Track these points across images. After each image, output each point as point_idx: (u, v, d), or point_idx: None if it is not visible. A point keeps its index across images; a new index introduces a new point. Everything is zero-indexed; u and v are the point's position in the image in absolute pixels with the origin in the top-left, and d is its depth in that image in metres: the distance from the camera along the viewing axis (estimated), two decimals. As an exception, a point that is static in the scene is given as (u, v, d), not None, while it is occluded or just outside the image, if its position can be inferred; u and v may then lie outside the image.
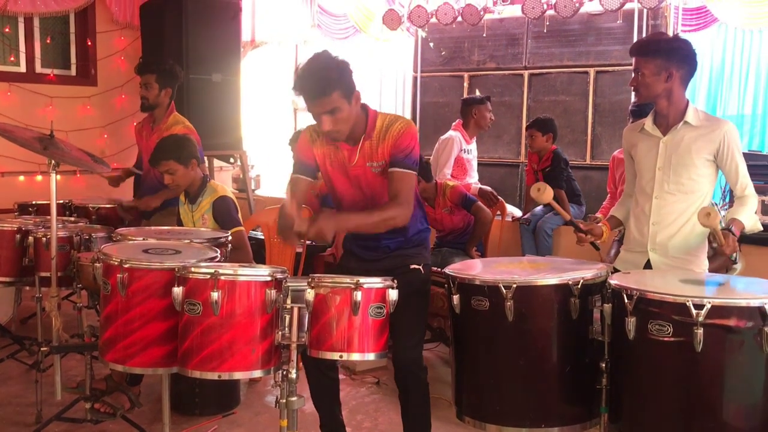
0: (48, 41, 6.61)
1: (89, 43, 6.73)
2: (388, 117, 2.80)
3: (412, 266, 2.85)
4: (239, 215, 3.76)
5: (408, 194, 2.73)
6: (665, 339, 2.17)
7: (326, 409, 3.04)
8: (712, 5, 6.21)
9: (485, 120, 5.66)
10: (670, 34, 6.02)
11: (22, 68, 6.46)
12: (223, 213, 3.68)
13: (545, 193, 2.80)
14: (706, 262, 2.92)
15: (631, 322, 2.22)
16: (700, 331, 2.10)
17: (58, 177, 3.37)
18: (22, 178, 6.24)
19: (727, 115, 6.77)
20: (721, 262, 3.91)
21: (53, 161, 3.29)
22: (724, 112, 6.99)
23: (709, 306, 2.10)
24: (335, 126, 2.66)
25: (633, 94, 6.25)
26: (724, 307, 2.13)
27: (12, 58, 6.40)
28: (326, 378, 2.98)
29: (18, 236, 3.82)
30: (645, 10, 6.17)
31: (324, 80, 2.59)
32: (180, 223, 3.88)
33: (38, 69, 6.54)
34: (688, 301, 2.12)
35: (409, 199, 2.74)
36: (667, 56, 2.77)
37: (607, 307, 2.37)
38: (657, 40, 2.86)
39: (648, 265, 2.89)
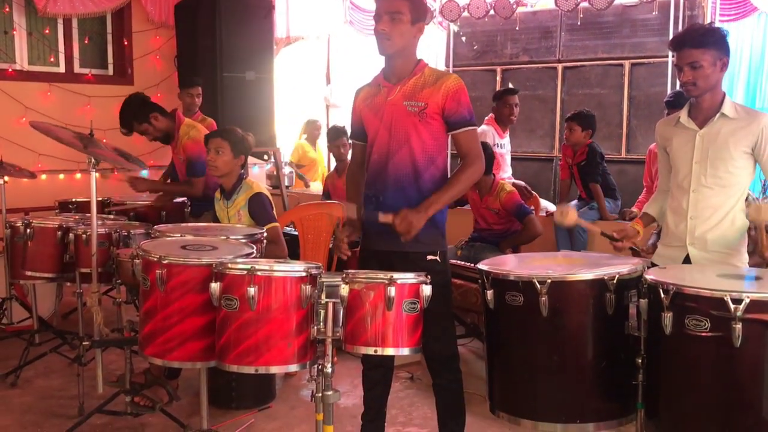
0: (86, 42, 6.73)
1: (126, 43, 6.84)
2: (439, 70, 2.92)
3: (429, 257, 2.80)
4: (274, 211, 3.81)
5: (476, 148, 2.85)
6: (703, 334, 2.14)
7: (376, 399, 3.05)
8: (751, -6, 6.08)
9: (503, 114, 5.62)
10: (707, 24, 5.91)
11: (62, 69, 6.60)
12: (259, 209, 3.73)
13: (568, 216, 2.85)
14: (747, 256, 2.87)
15: (667, 317, 2.20)
16: (739, 326, 2.07)
17: (97, 175, 3.44)
18: (62, 176, 6.37)
19: (768, 107, 6.63)
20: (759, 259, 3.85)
21: (93, 160, 3.36)
22: (764, 104, 6.84)
23: (747, 300, 2.07)
24: (389, 29, 2.75)
25: (672, 85, 6.17)
26: (764, 302, 2.10)
27: (51, 59, 6.54)
28: (383, 367, 3.02)
29: (59, 233, 3.92)
30: (681, 1, 6.07)
31: None
32: (216, 219, 3.93)
33: (77, 69, 6.68)
34: (726, 295, 2.09)
35: (479, 152, 2.85)
36: (719, 46, 2.73)
37: (643, 302, 2.35)
38: (709, 30, 2.79)
39: (687, 260, 2.85)
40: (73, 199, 5.25)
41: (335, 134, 5.67)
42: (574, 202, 5.71)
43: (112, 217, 4.53)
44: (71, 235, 3.83)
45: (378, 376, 3.03)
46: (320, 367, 2.41)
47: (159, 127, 4.47)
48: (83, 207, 5.06)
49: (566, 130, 5.61)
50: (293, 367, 2.44)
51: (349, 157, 5.51)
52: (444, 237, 2.91)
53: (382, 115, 2.85)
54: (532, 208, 5.19)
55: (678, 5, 6.15)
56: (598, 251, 4.58)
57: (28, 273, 3.99)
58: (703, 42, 2.72)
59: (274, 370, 2.48)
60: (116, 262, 3.54)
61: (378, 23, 2.78)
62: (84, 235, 3.74)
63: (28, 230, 3.93)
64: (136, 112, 4.45)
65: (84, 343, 3.59)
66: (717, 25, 5.97)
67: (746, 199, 2.87)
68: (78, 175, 6.40)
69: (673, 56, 2.86)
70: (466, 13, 7.13)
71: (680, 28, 6.08)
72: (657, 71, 6.32)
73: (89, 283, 3.58)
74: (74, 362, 3.96)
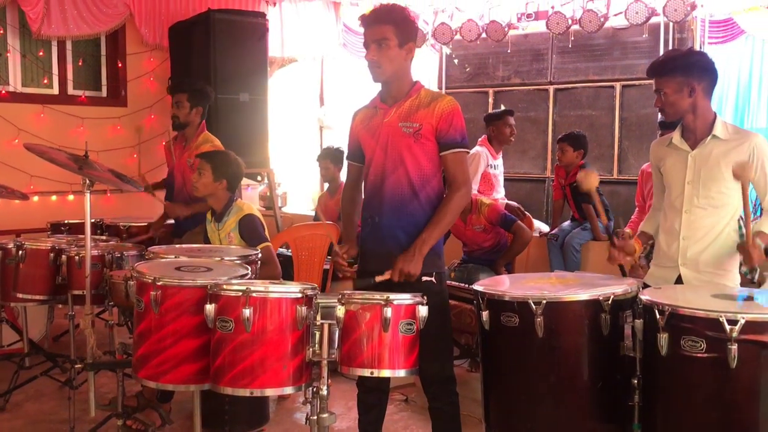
0: (80, 63, 6.74)
1: (119, 65, 6.85)
2: (434, 92, 2.95)
3: (424, 278, 2.78)
4: (266, 232, 3.80)
5: (464, 172, 2.85)
6: (698, 355, 2.14)
7: (372, 423, 3.02)
8: (738, 17, 6.18)
9: (503, 135, 5.65)
10: (697, 47, 5.99)
11: (55, 90, 6.60)
12: (250, 230, 3.72)
13: (590, 179, 2.84)
14: (738, 276, 2.88)
15: (663, 338, 2.21)
16: (735, 347, 2.07)
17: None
18: (54, 197, 6.35)
19: (756, 128, 6.70)
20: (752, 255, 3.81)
21: (88, 181, 3.35)
22: (752, 124, 6.91)
23: (743, 321, 2.08)
24: (377, 57, 2.78)
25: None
26: (759, 323, 2.11)
27: (45, 81, 6.55)
28: (379, 391, 3.00)
29: (51, 255, 3.89)
30: (671, 24, 6.15)
31: (384, 12, 2.81)
32: (207, 241, 3.92)
33: (70, 91, 6.67)
34: (721, 316, 2.10)
35: (466, 177, 2.86)
36: (686, 71, 2.76)
37: (639, 322, 2.36)
38: (672, 57, 2.85)
39: (679, 281, 2.86)
40: (66, 221, 5.22)
41: (320, 156, 5.72)
42: (568, 222, 5.73)
43: (104, 238, 4.51)
44: (64, 257, 3.81)
45: (374, 399, 3.01)
46: (315, 389, 2.40)
47: (190, 118, 4.51)
48: (75, 228, 5.03)
49: (558, 151, 5.65)
50: (288, 390, 2.43)
51: (341, 178, 5.55)
52: (441, 258, 2.91)
53: (378, 136, 2.86)
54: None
55: (668, 28, 6.23)
56: (591, 272, 4.60)
57: (20, 295, 3.96)
58: (663, 70, 2.79)
59: (270, 392, 2.47)
60: (109, 283, 3.52)
61: (367, 52, 2.81)
62: (77, 257, 3.72)
63: (20, 252, 3.90)
64: (197, 93, 4.53)
65: (77, 365, 3.55)
66: (705, 47, 6.06)
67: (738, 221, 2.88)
68: (70, 197, 6.38)
69: None
70: (458, 36, 7.20)
71: (670, 49, 6.15)
72: (648, 93, 6.37)
73: (81, 305, 3.55)
74: (65, 385, 3.92)
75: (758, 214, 2.89)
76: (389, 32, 2.77)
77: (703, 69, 2.79)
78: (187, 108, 4.47)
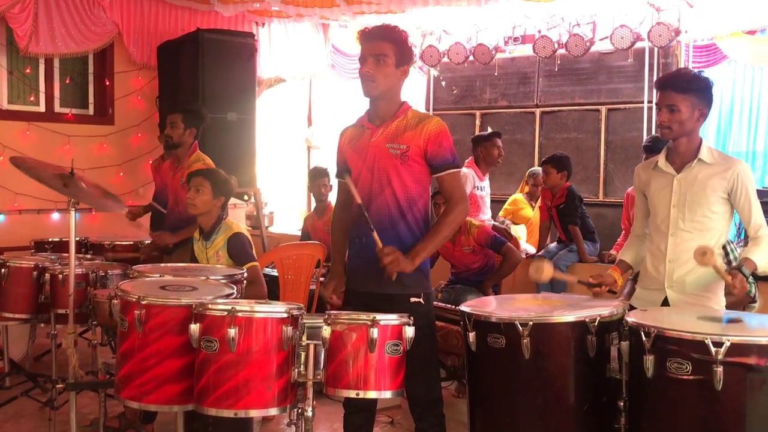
0: (67, 81, 6.72)
1: (107, 83, 6.84)
2: (421, 113, 2.96)
3: (413, 299, 2.78)
4: (253, 251, 3.78)
5: (460, 190, 2.88)
6: (684, 377, 2.15)
7: None
8: (721, 43, 6.29)
9: (492, 156, 5.68)
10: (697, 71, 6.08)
11: (42, 108, 6.57)
12: (238, 250, 3.70)
13: (544, 272, 2.81)
14: (724, 299, 2.90)
15: (649, 360, 2.21)
16: (720, 369, 2.08)
17: (77, 215, 3.39)
18: (38, 213, 6.30)
19: (737, 152, 6.81)
20: (736, 298, 3.85)
21: (72, 199, 3.32)
22: (734, 148, 7.02)
23: (728, 344, 2.09)
24: (373, 71, 2.78)
25: (648, 130, 6.29)
26: (744, 345, 2.12)
27: (32, 98, 6.52)
28: (366, 411, 2.96)
29: (35, 273, 3.85)
30: (656, 49, 6.24)
31: (386, 30, 2.84)
32: (194, 260, 3.90)
33: (57, 108, 6.64)
34: (706, 338, 2.11)
35: (463, 193, 2.88)
36: (702, 95, 2.77)
37: (625, 344, 2.36)
38: (696, 78, 2.83)
39: (665, 303, 2.87)
40: (50, 239, 5.18)
41: (316, 175, 5.70)
42: (554, 244, 5.75)
43: (89, 257, 4.47)
44: (47, 275, 3.77)
45: (360, 420, 2.98)
46: (300, 410, 2.38)
47: (183, 139, 4.52)
48: (60, 247, 4.99)
49: (542, 174, 5.69)
50: (273, 411, 2.41)
51: (329, 198, 5.55)
52: (428, 279, 2.90)
53: (365, 156, 2.87)
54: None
55: (653, 53, 6.32)
56: (578, 294, 4.60)
57: (2, 314, 3.91)
58: (686, 88, 2.76)
59: (254, 413, 2.44)
60: (93, 302, 3.48)
61: (363, 65, 2.81)
62: (60, 275, 3.68)
63: (3, 270, 3.86)
64: (193, 116, 4.55)
65: (58, 385, 3.49)
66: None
67: (723, 246, 2.89)
68: (55, 215, 6.33)
69: (656, 95, 2.91)
70: (446, 59, 7.27)
71: (655, 74, 6.24)
72: (633, 116, 6.46)
73: (64, 324, 3.51)
74: (46, 406, 3.86)
75: (741, 237, 2.92)
76: (389, 49, 2.79)
77: (712, 97, 2.82)
78: (182, 129, 4.47)
